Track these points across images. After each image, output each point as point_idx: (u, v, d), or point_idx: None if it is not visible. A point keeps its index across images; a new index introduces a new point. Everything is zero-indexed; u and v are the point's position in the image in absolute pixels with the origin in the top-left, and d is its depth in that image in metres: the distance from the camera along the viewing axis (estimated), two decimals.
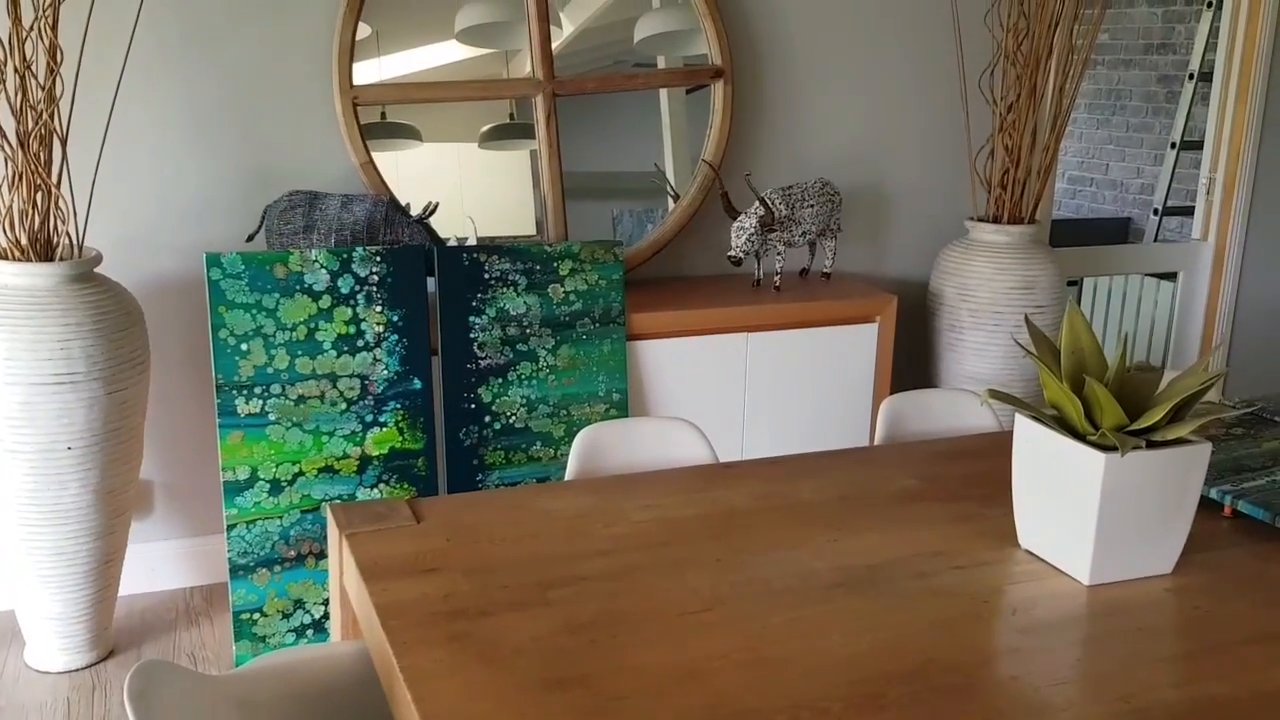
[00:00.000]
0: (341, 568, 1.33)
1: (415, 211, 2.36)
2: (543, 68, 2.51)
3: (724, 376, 2.51)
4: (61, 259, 2.03)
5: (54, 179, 2.03)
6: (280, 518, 2.17)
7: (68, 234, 2.08)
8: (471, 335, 2.28)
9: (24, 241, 2.03)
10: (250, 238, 2.33)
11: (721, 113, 2.65)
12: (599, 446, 1.63)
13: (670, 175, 2.71)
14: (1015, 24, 2.70)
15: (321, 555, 2.20)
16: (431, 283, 2.28)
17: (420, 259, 2.25)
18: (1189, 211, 3.96)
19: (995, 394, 1.26)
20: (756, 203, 2.52)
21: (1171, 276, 3.68)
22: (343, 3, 2.36)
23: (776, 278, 2.64)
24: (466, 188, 2.60)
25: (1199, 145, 3.77)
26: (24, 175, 2.01)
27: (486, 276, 2.29)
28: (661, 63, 2.70)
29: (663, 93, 2.72)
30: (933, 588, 1.23)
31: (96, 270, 2.08)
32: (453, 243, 2.43)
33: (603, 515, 1.42)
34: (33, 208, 2.03)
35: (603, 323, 2.37)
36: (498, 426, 2.31)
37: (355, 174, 2.45)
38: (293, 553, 2.18)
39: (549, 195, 2.55)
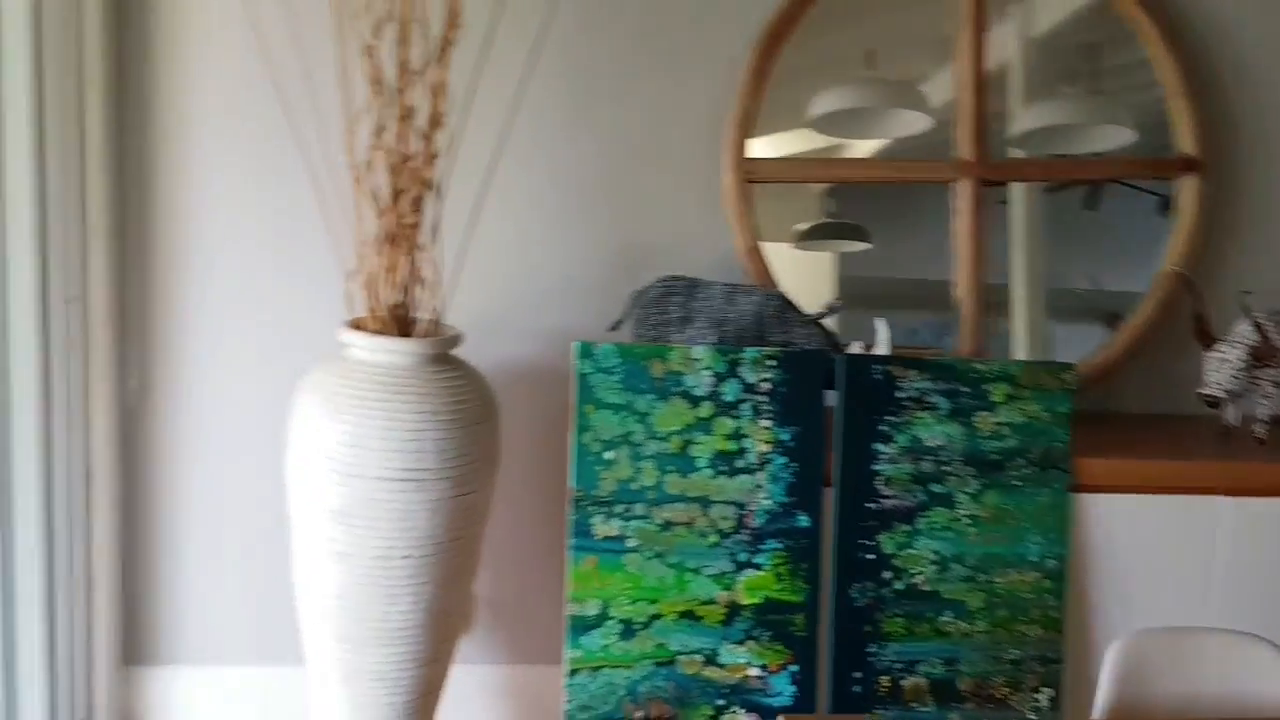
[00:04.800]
0: None
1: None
2: (974, 148, 2.07)
3: (1189, 549, 1.92)
4: (424, 335, 1.76)
5: (423, 243, 1.77)
6: (630, 667, 1.77)
7: (432, 308, 1.81)
8: (875, 467, 1.83)
9: (382, 313, 1.77)
10: (614, 326, 1.99)
11: (1193, 213, 2.10)
12: (1145, 666, 1.13)
13: (1020, 289, 2.17)
14: None
15: None
16: (830, 397, 1.85)
17: (820, 368, 1.83)
18: None
19: None
20: (1246, 328, 1.95)
21: None
22: (747, 68, 2.03)
23: (1260, 426, 2.03)
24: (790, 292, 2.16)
25: None
26: (393, 237, 1.76)
27: (899, 395, 1.84)
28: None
29: (1016, 189, 2.18)
30: None
31: (453, 352, 1.80)
32: (856, 349, 2.00)
33: None
34: (395, 274, 1.78)
35: (1042, 467, 1.85)
36: (900, 586, 1.82)
37: (736, 260, 2.09)
38: (640, 714, 1.77)
39: (967, 301, 2.09)
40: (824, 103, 2.20)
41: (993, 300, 2.18)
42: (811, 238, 2.28)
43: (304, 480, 1.68)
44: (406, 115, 1.74)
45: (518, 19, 1.98)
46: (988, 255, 2.10)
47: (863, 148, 2.22)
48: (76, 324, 1.86)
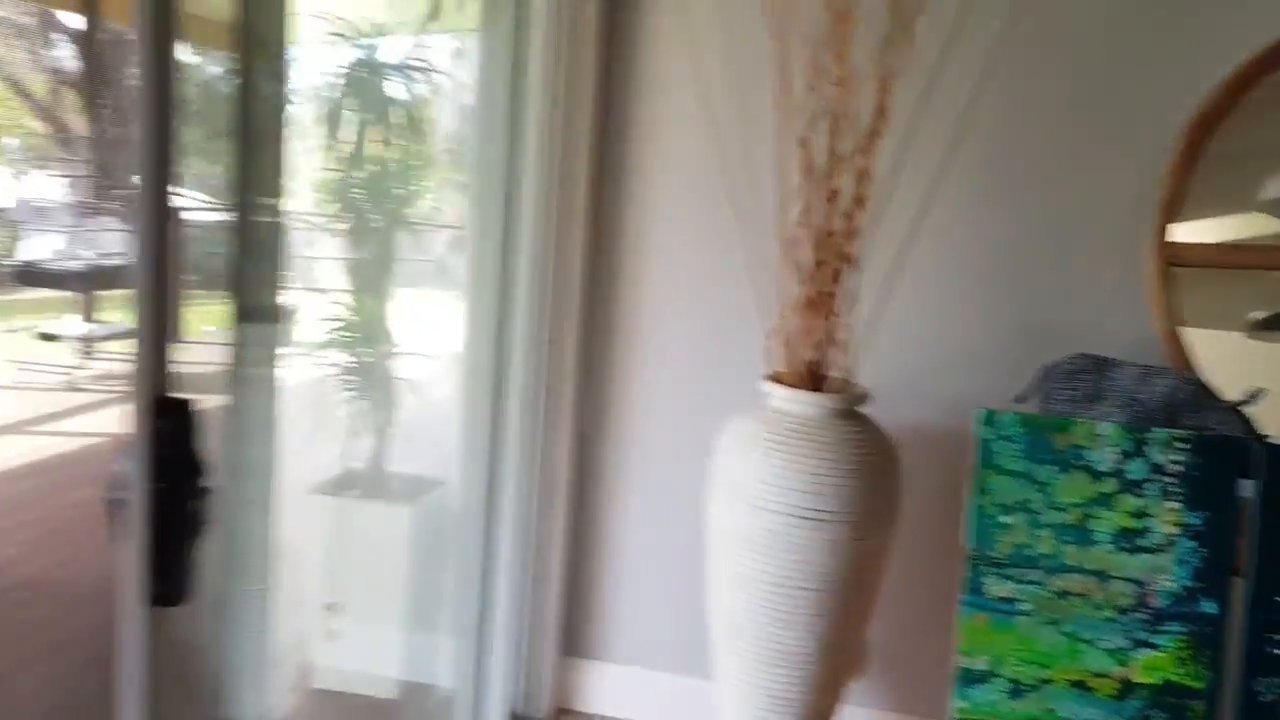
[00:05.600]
0: None
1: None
2: None
3: None
4: (833, 391, 1.95)
5: (839, 309, 1.97)
6: None
7: (843, 367, 2.01)
8: None
9: (799, 368, 1.99)
10: (1020, 399, 2.07)
11: None
12: None
13: None
14: None
15: None
16: (1246, 486, 1.80)
17: (1236, 455, 1.79)
18: None
19: None
20: None
21: None
22: (1174, 153, 2.04)
23: None
24: (1220, 379, 2.06)
25: None
26: (813, 303, 1.98)
27: None
28: None
29: None
30: None
31: (860, 409, 1.97)
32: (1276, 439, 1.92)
33: None
34: (811, 336, 1.99)
35: None
36: None
37: (1153, 343, 2.08)
38: None
39: None
40: (1277, 186, 2.13)
41: None
42: (1269, 328, 2.18)
43: (718, 508, 1.93)
44: (832, 197, 1.96)
45: (940, 112, 2.15)
46: None
47: None
48: (554, 361, 2.27)
